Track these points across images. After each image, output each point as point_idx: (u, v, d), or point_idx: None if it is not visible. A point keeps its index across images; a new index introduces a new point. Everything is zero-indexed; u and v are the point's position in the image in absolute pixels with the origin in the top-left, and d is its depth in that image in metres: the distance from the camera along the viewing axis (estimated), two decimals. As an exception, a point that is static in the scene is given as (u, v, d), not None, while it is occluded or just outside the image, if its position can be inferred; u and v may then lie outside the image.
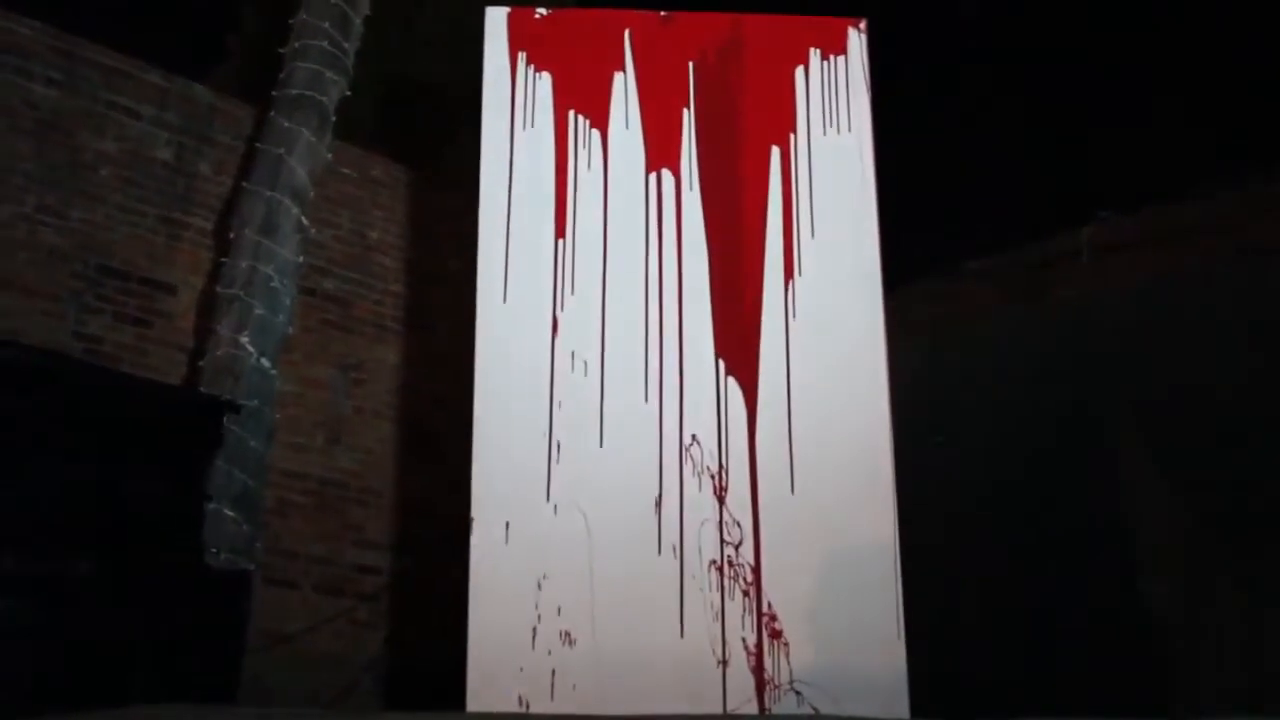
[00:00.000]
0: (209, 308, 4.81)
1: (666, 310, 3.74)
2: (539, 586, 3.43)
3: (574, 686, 3.36)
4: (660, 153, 3.90)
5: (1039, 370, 5.13)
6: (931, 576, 3.78)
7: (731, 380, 3.69)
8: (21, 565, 3.45)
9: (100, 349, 4.64)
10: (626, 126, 3.92)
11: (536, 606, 3.41)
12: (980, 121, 5.73)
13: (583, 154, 3.87)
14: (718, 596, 3.48)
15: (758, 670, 3.43)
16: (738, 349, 3.72)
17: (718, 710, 3.38)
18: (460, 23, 5.37)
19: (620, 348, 3.68)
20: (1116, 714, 3.81)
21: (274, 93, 5.06)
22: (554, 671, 3.37)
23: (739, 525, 3.56)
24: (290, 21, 5.17)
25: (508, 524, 3.48)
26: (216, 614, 3.98)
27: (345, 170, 5.52)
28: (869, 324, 3.76)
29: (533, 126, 3.88)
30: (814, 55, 4.04)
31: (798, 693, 3.42)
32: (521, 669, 3.36)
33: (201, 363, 4.64)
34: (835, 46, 4.05)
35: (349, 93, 5.21)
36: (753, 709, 3.39)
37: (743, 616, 3.48)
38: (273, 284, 4.68)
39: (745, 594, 3.50)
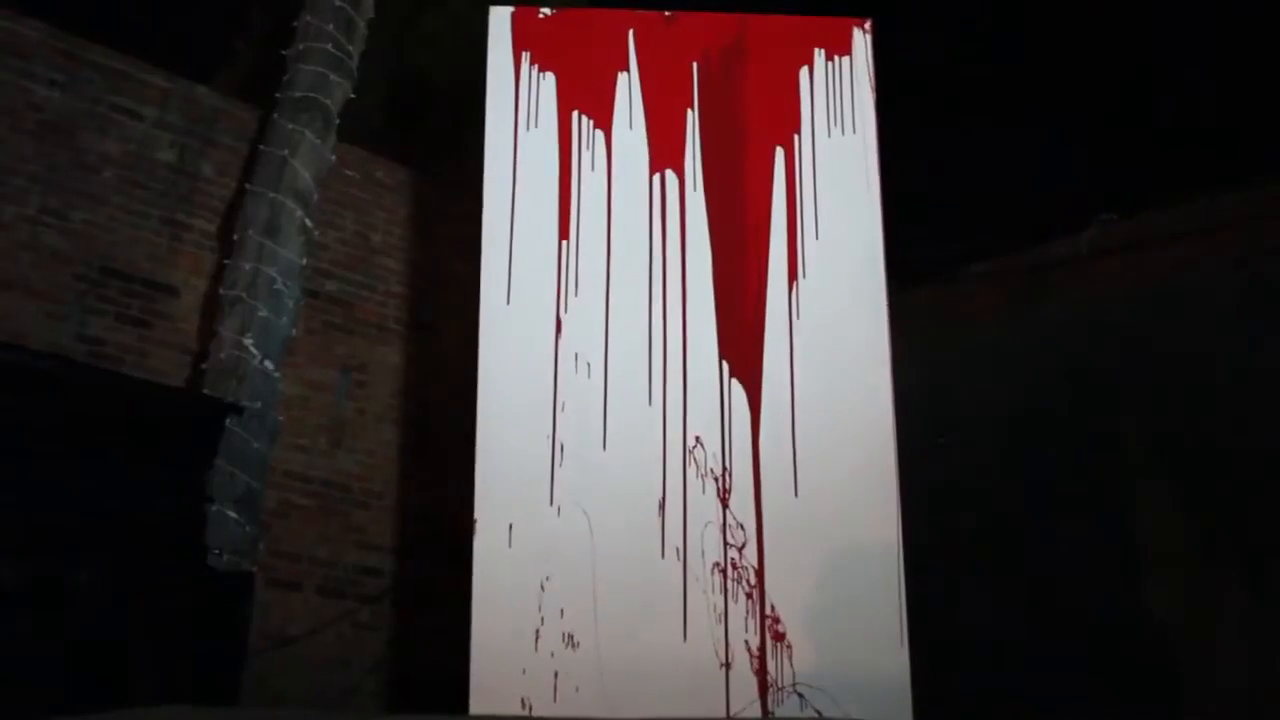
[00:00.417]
0: (212, 310, 4.80)
1: (670, 312, 3.73)
2: (542, 589, 3.43)
3: (576, 689, 3.35)
4: (664, 153, 3.89)
5: (1041, 372, 5.13)
6: (934, 578, 3.77)
7: (735, 382, 3.68)
8: (24, 567, 3.45)
9: (103, 351, 4.62)
10: (630, 127, 3.91)
11: (539, 609, 3.41)
12: (983, 122, 5.72)
13: (586, 155, 3.86)
14: (721, 599, 3.48)
15: (761, 673, 3.42)
16: (741, 351, 3.71)
17: (720, 713, 3.37)
18: (464, 23, 5.37)
19: (624, 349, 3.67)
20: (1119, 718, 3.81)
21: (277, 94, 5.05)
22: (556, 674, 3.36)
23: (742, 528, 3.55)
24: (294, 23, 5.16)
25: (511, 526, 3.47)
26: (218, 616, 3.98)
27: (349, 172, 5.50)
28: (873, 325, 3.75)
29: (536, 127, 3.88)
30: (818, 55, 4.03)
31: (801, 695, 3.41)
32: (524, 671, 3.36)
33: (204, 365, 4.63)
34: (840, 47, 4.05)
35: (353, 95, 5.20)
36: (756, 712, 3.38)
37: (746, 619, 3.47)
38: (276, 286, 4.68)
39: (748, 596, 3.49)
